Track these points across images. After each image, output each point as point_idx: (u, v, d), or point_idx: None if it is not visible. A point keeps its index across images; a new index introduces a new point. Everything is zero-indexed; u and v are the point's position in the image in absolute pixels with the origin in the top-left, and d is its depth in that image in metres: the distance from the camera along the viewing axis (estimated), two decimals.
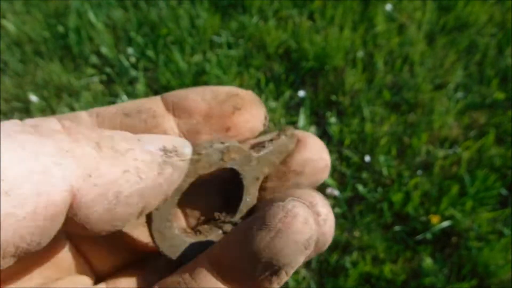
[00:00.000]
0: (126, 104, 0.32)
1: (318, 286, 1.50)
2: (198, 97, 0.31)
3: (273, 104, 1.91)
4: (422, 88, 1.93)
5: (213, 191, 0.34)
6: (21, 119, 0.23)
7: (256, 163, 0.32)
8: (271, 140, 0.32)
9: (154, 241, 0.30)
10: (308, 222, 0.25)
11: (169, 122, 0.31)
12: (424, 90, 1.93)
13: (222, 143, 0.31)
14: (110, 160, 0.22)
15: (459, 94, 1.95)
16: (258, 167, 0.32)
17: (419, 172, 1.72)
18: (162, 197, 0.26)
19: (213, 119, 0.32)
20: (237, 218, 0.32)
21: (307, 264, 1.54)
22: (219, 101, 0.32)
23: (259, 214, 0.26)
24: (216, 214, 0.32)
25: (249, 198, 0.32)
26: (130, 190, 0.23)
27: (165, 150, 0.25)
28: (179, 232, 0.31)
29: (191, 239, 0.31)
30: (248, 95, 0.33)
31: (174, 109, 0.32)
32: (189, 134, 0.32)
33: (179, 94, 0.32)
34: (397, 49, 2.09)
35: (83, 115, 0.30)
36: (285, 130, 0.33)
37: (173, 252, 0.30)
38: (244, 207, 0.32)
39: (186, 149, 0.27)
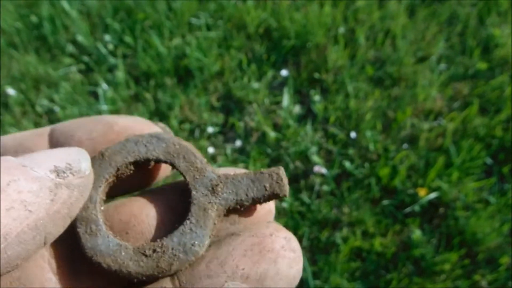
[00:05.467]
0: (7, 139, 0.28)
1: (310, 263, 1.50)
2: (84, 135, 0.29)
3: (256, 85, 1.88)
4: (404, 62, 1.92)
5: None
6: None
7: (216, 186, 0.28)
8: (248, 174, 0.28)
9: (82, 246, 0.27)
10: None
11: None
12: (407, 64, 1.92)
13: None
14: None
15: (442, 66, 1.95)
16: (220, 193, 0.28)
17: (405, 145, 1.73)
18: (66, 221, 0.23)
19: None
20: (169, 246, 0.27)
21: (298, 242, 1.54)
22: (108, 142, 0.29)
23: None
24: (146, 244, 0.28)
25: (196, 226, 0.27)
26: (21, 227, 0.20)
27: (57, 171, 0.22)
28: (109, 234, 0.27)
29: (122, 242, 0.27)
30: (151, 130, 0.30)
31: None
32: None
33: (67, 130, 0.29)
34: (378, 23, 2.07)
35: None
36: (270, 170, 0.28)
37: (107, 259, 0.27)
38: (185, 233, 0.27)
39: (83, 163, 0.24)
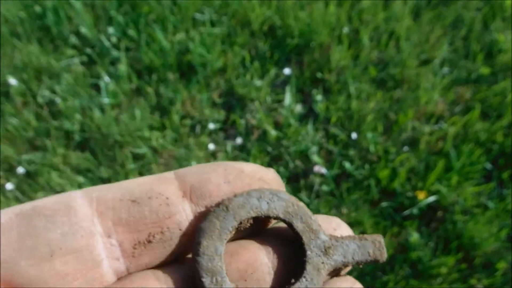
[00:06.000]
0: (132, 186, 0.28)
1: None
2: (220, 179, 0.29)
3: (258, 82, 1.88)
4: (408, 64, 1.92)
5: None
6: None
7: (329, 248, 0.31)
8: (354, 238, 0.32)
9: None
10: None
11: (185, 211, 0.28)
12: (410, 66, 1.92)
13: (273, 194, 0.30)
14: None
15: (445, 70, 1.95)
16: (331, 255, 0.31)
17: (406, 148, 1.73)
18: None
19: None
20: None
21: None
22: (245, 185, 0.30)
23: None
24: None
25: (311, 284, 0.30)
26: None
27: None
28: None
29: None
30: (271, 176, 0.31)
31: (191, 194, 0.29)
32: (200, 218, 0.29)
33: (197, 174, 0.29)
34: (382, 24, 2.06)
35: (78, 203, 0.26)
36: (373, 237, 0.32)
37: None
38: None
39: None
